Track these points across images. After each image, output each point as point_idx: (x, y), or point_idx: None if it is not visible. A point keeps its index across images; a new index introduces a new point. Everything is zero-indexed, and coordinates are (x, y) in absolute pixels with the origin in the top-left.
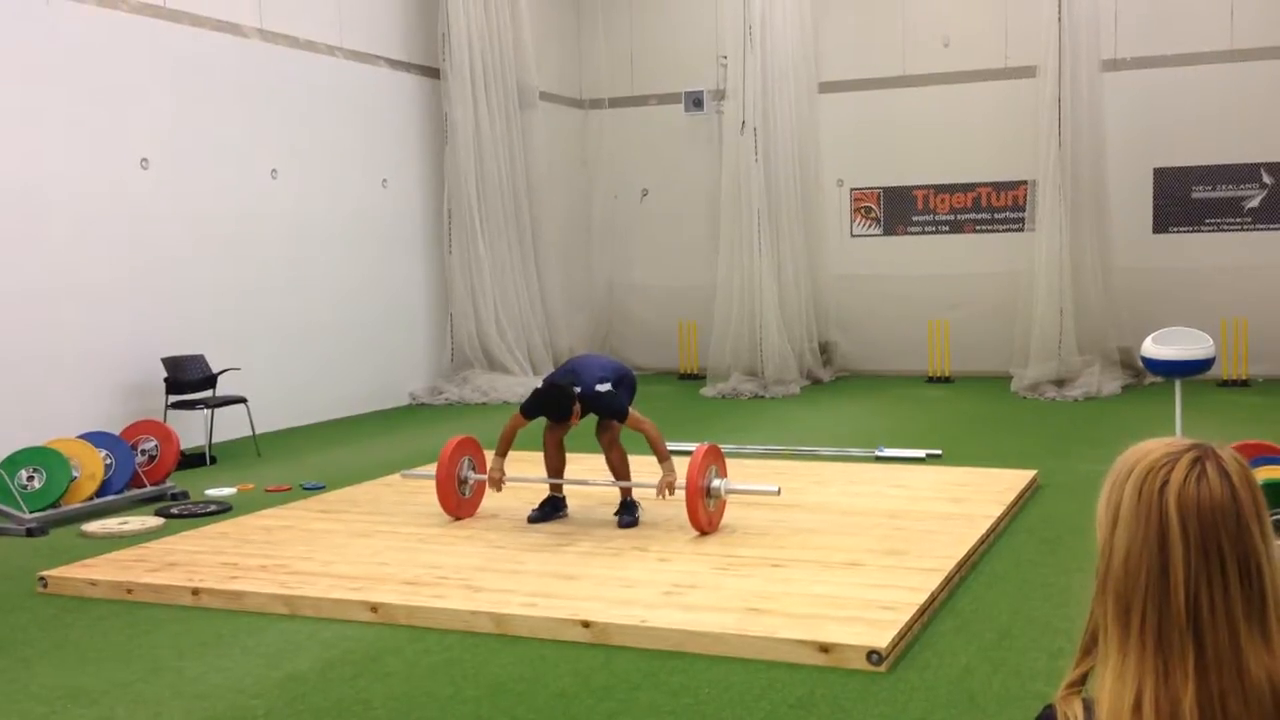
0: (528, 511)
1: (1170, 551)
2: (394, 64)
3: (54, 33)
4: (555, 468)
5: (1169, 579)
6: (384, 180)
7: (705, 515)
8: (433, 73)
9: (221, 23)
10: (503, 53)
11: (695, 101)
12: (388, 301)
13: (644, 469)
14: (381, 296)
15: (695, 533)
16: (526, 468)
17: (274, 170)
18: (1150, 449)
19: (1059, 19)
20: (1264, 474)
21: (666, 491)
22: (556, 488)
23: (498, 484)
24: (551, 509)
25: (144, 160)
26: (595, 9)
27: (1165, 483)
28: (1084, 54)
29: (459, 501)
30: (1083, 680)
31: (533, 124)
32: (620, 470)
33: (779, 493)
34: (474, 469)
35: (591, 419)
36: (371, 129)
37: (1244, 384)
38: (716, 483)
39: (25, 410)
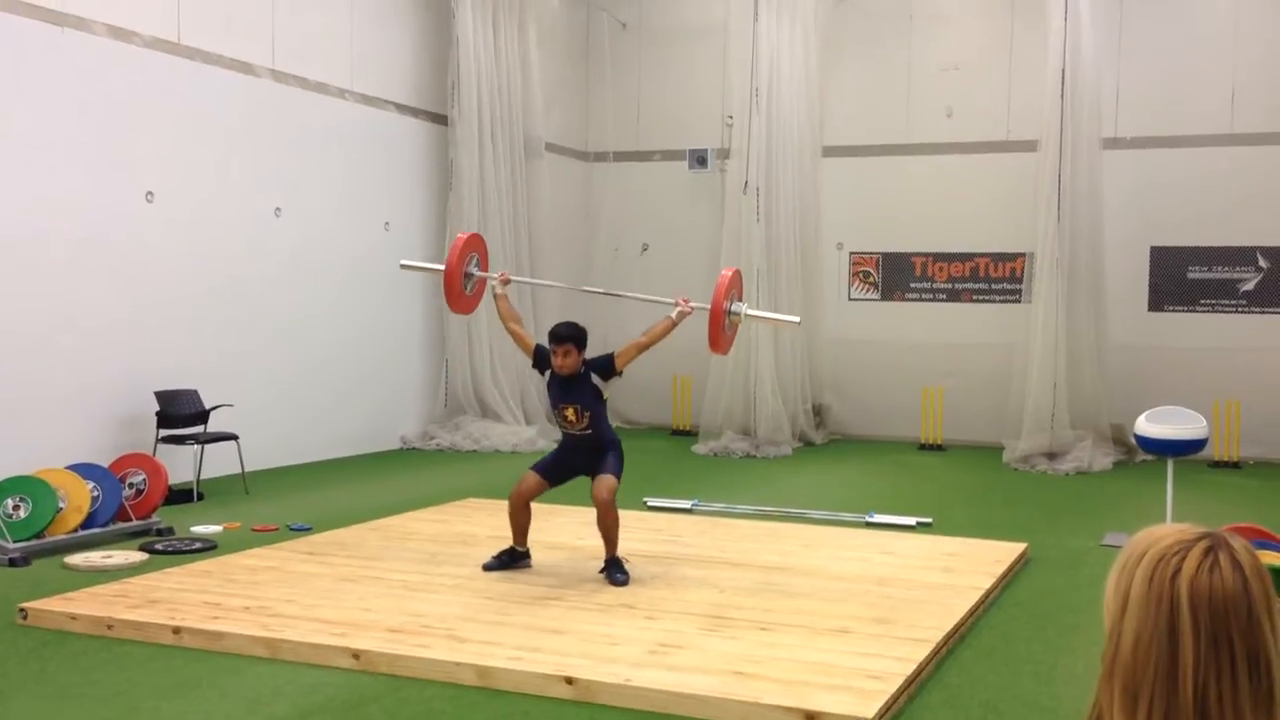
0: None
1: (1180, 641)
2: (402, 109)
3: (66, 64)
4: (521, 525)
5: (1178, 669)
6: (386, 223)
7: (725, 338)
8: (440, 119)
9: (234, 61)
10: (511, 102)
11: (699, 159)
12: (384, 344)
13: (627, 519)
14: (378, 338)
15: (685, 594)
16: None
17: (278, 208)
18: (1162, 535)
19: (1061, 95)
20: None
21: (683, 304)
22: (519, 540)
23: (506, 280)
24: (509, 559)
25: (149, 194)
26: (604, 64)
27: (1177, 571)
28: (1085, 131)
29: (462, 296)
30: None
31: (537, 174)
32: (611, 533)
33: (799, 323)
34: (478, 267)
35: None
36: (377, 172)
37: (1235, 466)
38: (737, 306)
39: (14, 439)
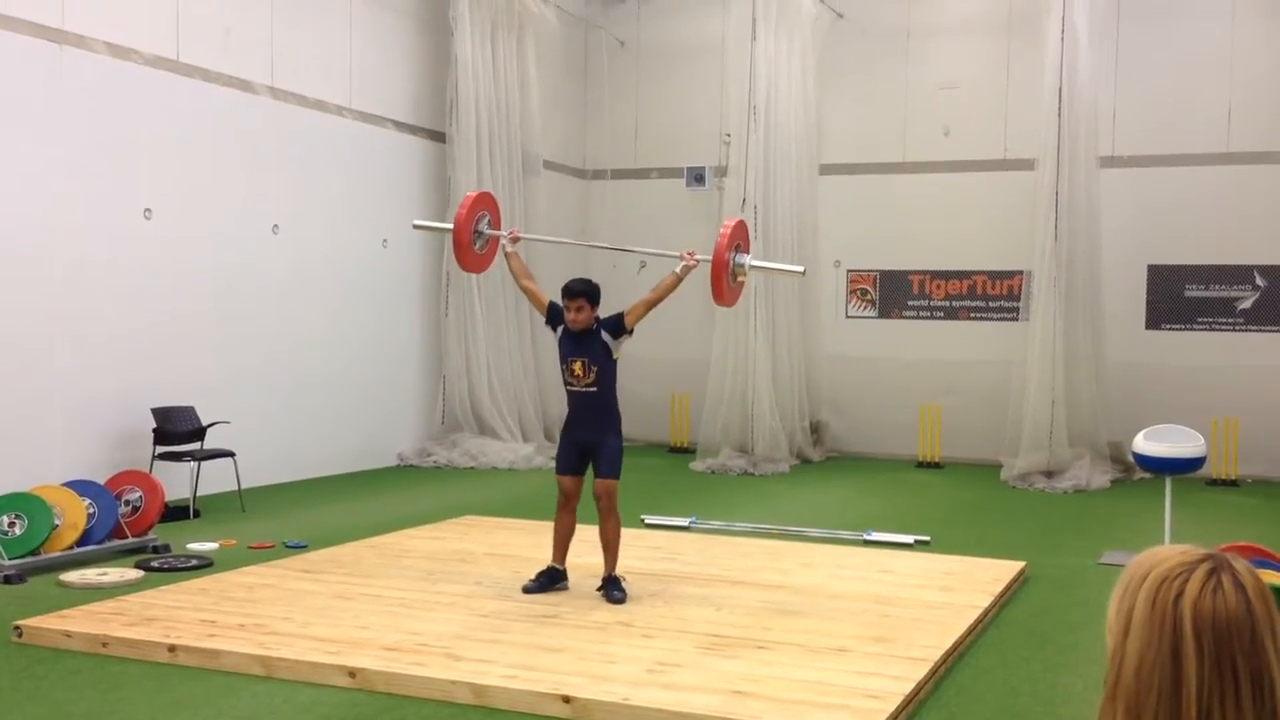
0: (515, 582)
1: (1184, 664)
2: (400, 126)
3: (66, 81)
4: (562, 536)
5: (1181, 692)
6: (384, 240)
7: (730, 290)
8: (438, 136)
9: (233, 79)
10: (509, 120)
11: (697, 177)
12: (381, 360)
13: (624, 537)
14: (376, 355)
15: (683, 613)
16: (542, 537)
17: (276, 226)
18: (1164, 556)
19: (1059, 114)
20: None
21: (688, 258)
22: (559, 559)
23: (515, 237)
24: (549, 580)
25: (148, 211)
26: (602, 82)
27: (1180, 593)
28: (1083, 150)
29: (473, 254)
30: None
31: (535, 191)
32: (612, 544)
33: (804, 273)
34: (489, 226)
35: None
36: (375, 189)
37: (1233, 484)
38: (740, 259)
39: (10, 455)
